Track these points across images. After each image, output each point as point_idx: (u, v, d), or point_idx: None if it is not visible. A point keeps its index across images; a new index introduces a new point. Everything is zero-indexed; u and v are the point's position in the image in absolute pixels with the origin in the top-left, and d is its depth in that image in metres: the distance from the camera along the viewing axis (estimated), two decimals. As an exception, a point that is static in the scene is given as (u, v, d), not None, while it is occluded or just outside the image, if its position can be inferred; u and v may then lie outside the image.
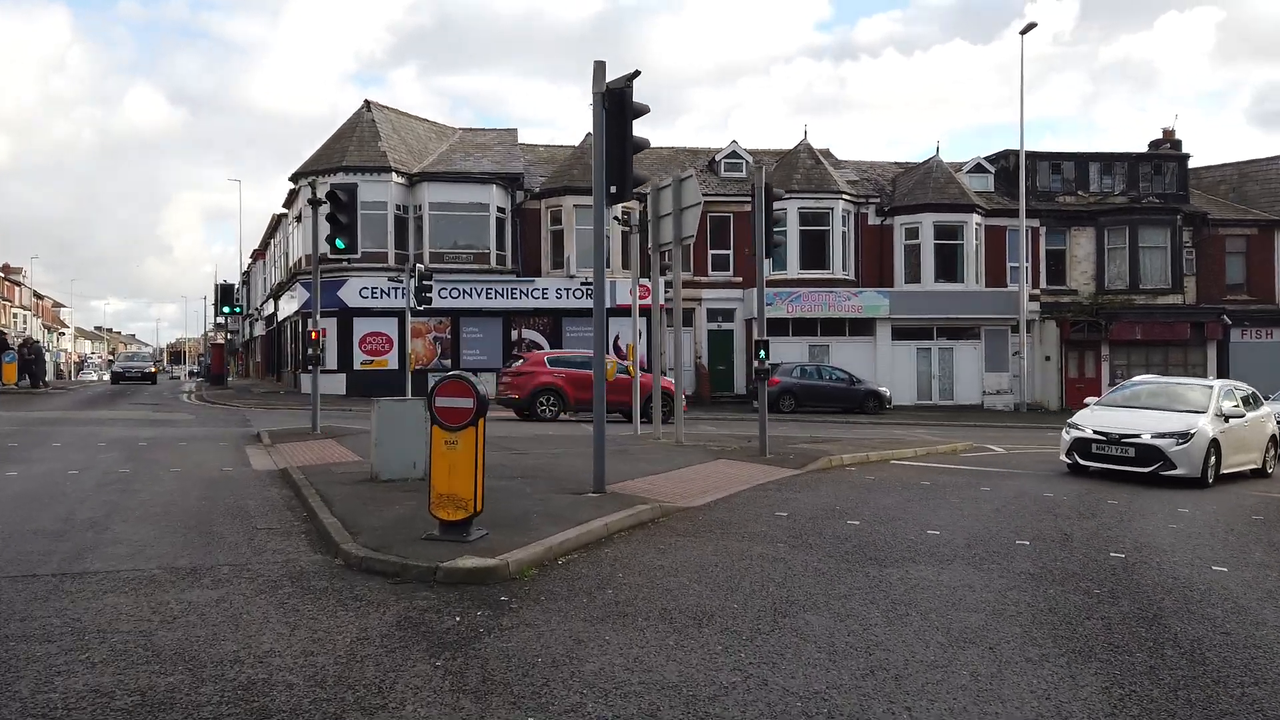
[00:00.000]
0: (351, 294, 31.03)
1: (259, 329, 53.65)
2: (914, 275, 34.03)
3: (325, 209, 15.87)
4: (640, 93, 9.69)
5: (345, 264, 30.46)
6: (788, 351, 32.52)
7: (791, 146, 36.01)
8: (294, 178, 33.70)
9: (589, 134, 35.78)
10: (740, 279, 34.38)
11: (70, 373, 65.99)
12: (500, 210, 32.85)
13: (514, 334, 32.72)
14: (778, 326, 33.18)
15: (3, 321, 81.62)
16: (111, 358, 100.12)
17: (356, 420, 19.97)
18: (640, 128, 9.74)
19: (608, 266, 33.21)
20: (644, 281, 34.33)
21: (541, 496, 8.90)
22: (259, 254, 55.13)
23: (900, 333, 33.47)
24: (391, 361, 31.68)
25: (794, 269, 33.60)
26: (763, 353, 13.66)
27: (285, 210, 39.42)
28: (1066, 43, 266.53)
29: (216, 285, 40.65)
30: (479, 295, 32.03)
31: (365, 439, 14.88)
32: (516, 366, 23.26)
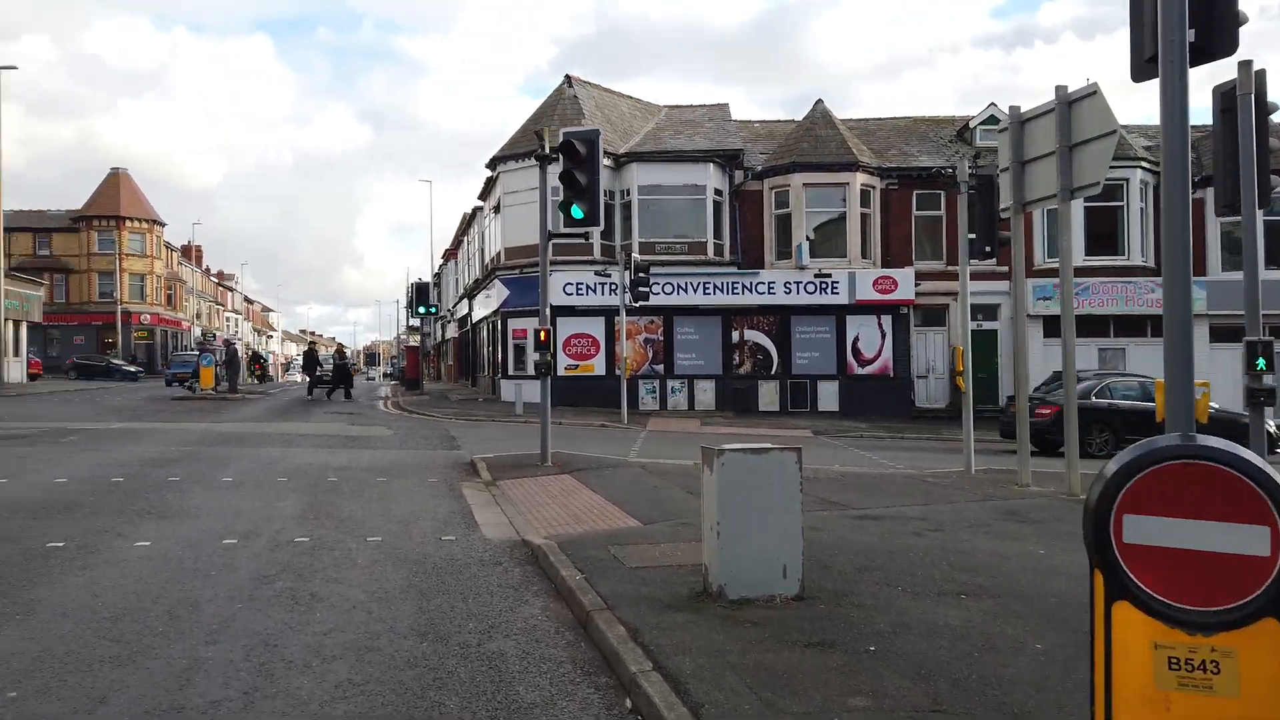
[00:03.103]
0: (555, 290, 27.55)
1: (451, 331, 52.11)
2: (1235, 261, 26.99)
3: (557, 168, 12.01)
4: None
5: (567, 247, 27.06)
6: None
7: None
8: (491, 163, 30.78)
9: (819, 101, 30.97)
10: (1005, 268, 28.40)
11: (278, 373, 67.93)
12: (717, 193, 28.54)
13: (735, 335, 28.32)
14: (1059, 325, 27.17)
15: (216, 325, 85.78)
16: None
17: (587, 441, 16.10)
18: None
19: (843, 256, 28.42)
20: (888, 273, 29.14)
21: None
22: (451, 253, 53.69)
23: (1220, 333, 26.57)
24: (598, 366, 28.08)
25: (1079, 254, 27.35)
26: (1261, 361, 8.45)
27: (481, 203, 36.82)
28: (1273, 17, 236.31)
29: (411, 285, 38.65)
30: (695, 290, 27.83)
31: (617, 477, 10.78)
32: None
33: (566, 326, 28.07)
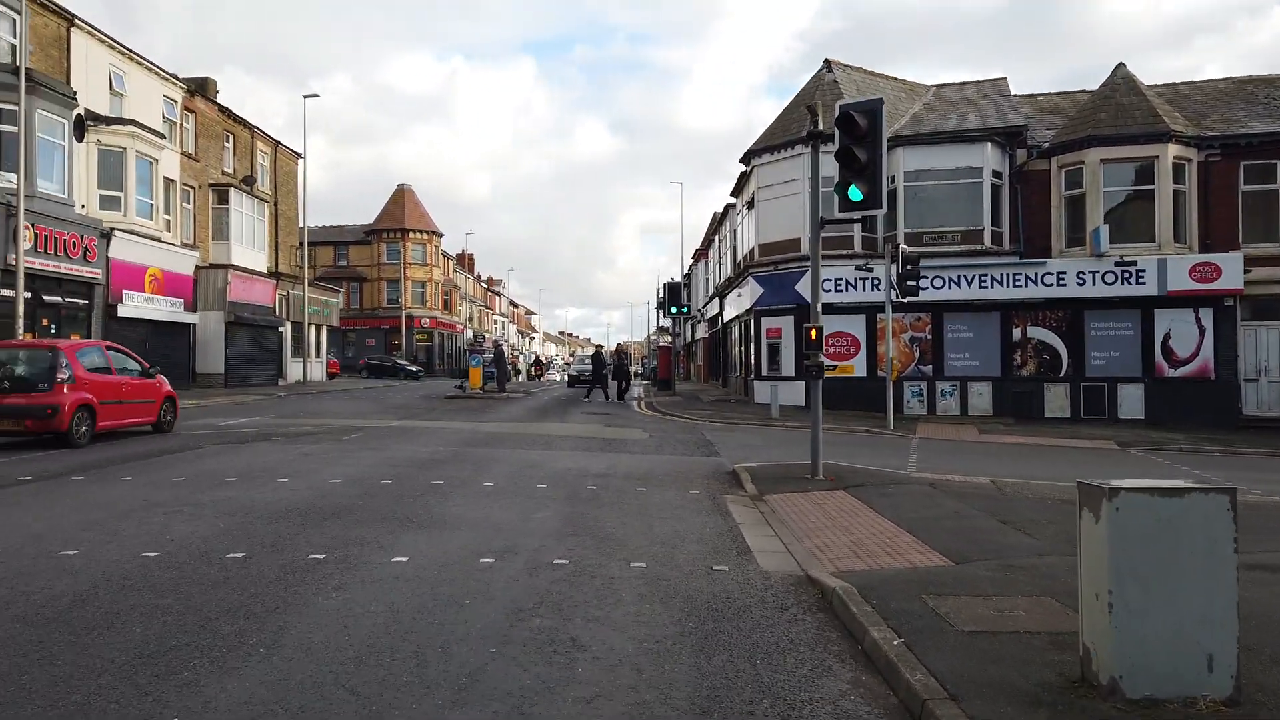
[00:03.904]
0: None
1: (700, 331, 51.92)
2: None
3: (830, 148, 10.69)
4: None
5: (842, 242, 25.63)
6: None
7: None
8: (745, 158, 29.79)
9: (1119, 65, 27.11)
10: (1366, 249, 23.40)
11: (540, 373, 71.63)
12: (995, 175, 25.72)
13: (1016, 332, 25.40)
14: None
15: (485, 327, 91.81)
16: (570, 360, 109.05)
17: (853, 449, 14.64)
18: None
19: (1149, 240, 24.75)
20: (1208, 259, 24.88)
21: None
22: (700, 254, 53.52)
23: None
24: (858, 367, 26.27)
25: None
26: None
27: (733, 200, 36.02)
28: None
29: (664, 285, 38.61)
30: (968, 284, 25.26)
31: (903, 497, 9.26)
32: None
33: (826, 325, 26.46)
